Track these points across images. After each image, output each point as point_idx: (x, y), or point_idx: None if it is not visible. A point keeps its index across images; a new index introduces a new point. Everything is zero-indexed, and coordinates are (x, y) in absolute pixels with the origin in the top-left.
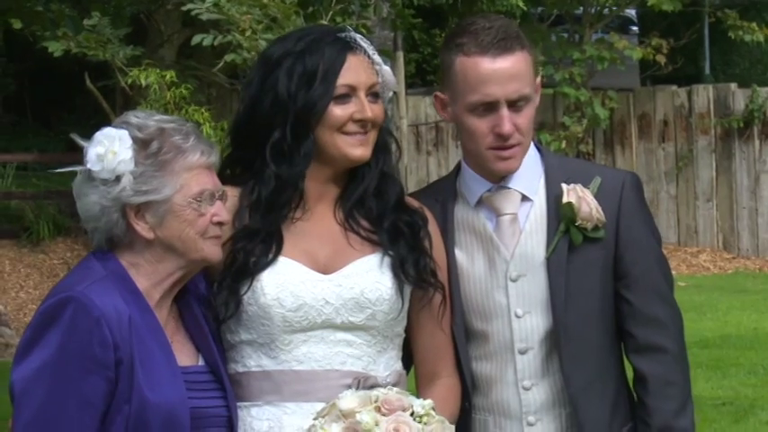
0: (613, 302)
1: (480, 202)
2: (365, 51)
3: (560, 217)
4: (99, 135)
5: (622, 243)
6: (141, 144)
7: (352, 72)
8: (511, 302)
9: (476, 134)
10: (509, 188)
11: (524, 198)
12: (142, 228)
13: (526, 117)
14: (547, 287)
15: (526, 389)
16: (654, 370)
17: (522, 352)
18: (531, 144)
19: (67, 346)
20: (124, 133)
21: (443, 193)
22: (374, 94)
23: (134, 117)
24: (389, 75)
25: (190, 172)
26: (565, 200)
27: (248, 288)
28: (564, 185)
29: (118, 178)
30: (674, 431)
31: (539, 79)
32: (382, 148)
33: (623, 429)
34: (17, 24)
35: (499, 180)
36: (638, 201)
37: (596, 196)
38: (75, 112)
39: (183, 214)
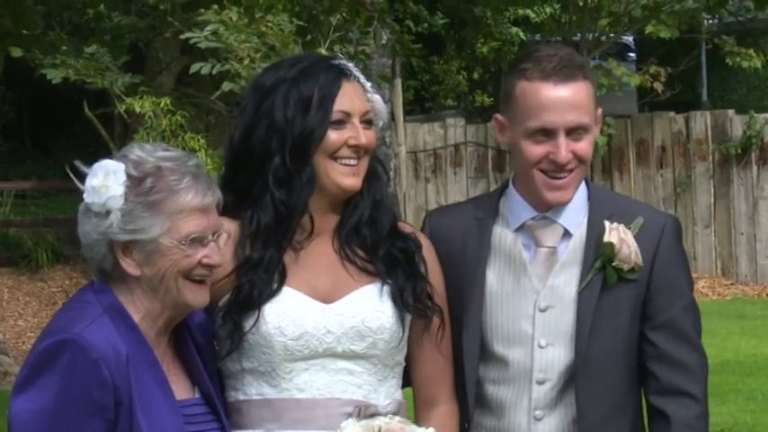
0: (637, 342)
1: (521, 228)
2: (358, 79)
3: (598, 254)
4: (97, 166)
5: (655, 286)
6: (134, 182)
7: (347, 98)
8: (536, 332)
9: (530, 158)
10: (554, 221)
11: (565, 232)
12: (128, 264)
13: (586, 144)
14: (574, 321)
15: (537, 419)
16: (678, 412)
17: (540, 382)
18: None
19: (67, 390)
20: (120, 168)
21: (485, 210)
22: (367, 122)
23: (137, 151)
24: (380, 103)
25: (180, 214)
26: (606, 239)
27: (254, 322)
28: (607, 224)
29: (107, 213)
30: None
31: (599, 111)
32: (374, 176)
33: None
34: (16, 52)
35: (545, 209)
36: (676, 245)
37: (636, 237)
38: (73, 140)
39: (170, 254)
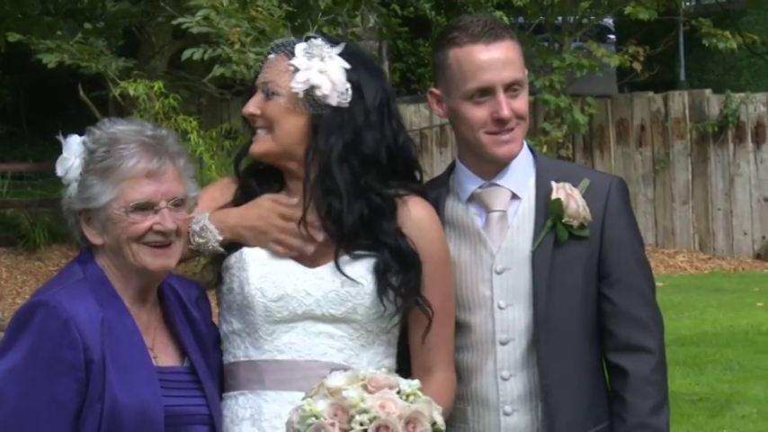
0: (595, 301)
1: (471, 199)
2: (282, 51)
3: (548, 213)
4: (67, 140)
5: (607, 243)
6: (89, 152)
7: (263, 72)
8: (495, 294)
9: (474, 122)
10: (500, 185)
11: (514, 196)
12: (90, 233)
13: (522, 101)
14: (530, 280)
15: (504, 379)
16: (635, 367)
17: (503, 343)
18: (525, 145)
19: (37, 350)
20: (81, 140)
21: (437, 189)
22: (265, 93)
23: (105, 125)
24: (308, 73)
25: (127, 181)
26: (554, 196)
27: (235, 258)
28: (553, 183)
29: (69, 184)
30: (650, 429)
31: (526, 72)
32: (314, 145)
33: (599, 427)
34: (13, 37)
35: (492, 177)
36: (624, 204)
37: (584, 197)
38: (69, 123)
39: (120, 222)
